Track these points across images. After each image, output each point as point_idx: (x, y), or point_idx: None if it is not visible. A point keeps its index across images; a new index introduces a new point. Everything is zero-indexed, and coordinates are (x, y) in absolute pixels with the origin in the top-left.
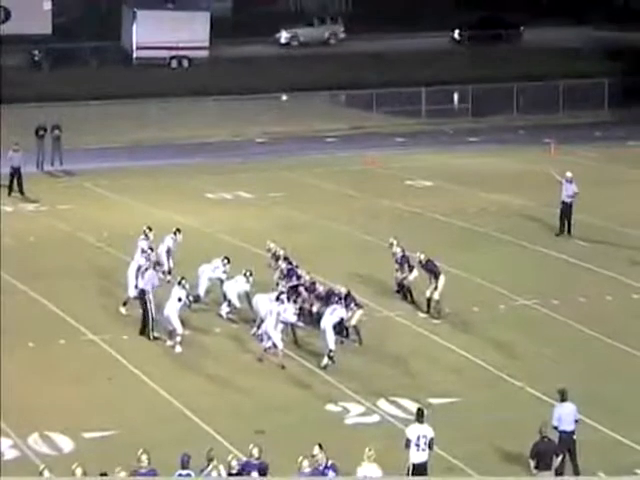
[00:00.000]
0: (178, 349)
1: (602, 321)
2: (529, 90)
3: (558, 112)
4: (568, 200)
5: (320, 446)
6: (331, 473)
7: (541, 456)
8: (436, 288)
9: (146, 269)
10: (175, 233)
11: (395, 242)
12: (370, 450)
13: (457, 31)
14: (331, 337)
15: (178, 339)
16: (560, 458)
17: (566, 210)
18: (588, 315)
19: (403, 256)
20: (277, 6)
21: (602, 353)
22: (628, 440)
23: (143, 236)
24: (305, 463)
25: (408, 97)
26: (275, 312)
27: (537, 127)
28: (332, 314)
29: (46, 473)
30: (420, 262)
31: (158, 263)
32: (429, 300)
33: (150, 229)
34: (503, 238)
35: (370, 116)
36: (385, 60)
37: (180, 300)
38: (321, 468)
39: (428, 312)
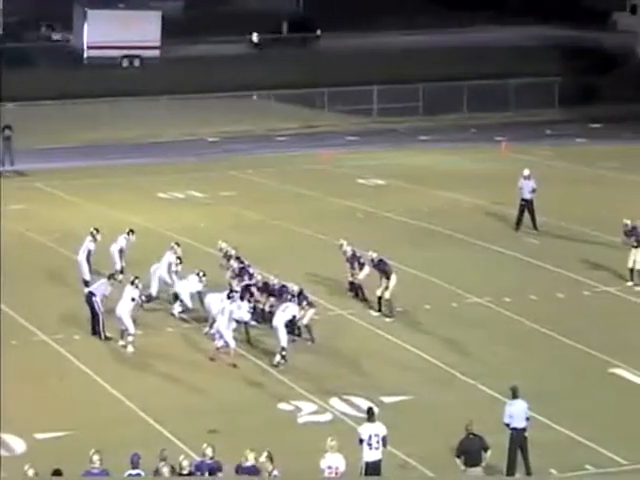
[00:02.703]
0: (130, 349)
1: (554, 319)
2: (479, 89)
3: (508, 111)
4: (529, 196)
5: (269, 454)
6: None
7: (468, 453)
8: (387, 288)
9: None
10: (128, 233)
11: (345, 242)
12: (332, 440)
13: (255, 34)
14: (283, 335)
15: (130, 339)
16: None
17: (528, 206)
18: (540, 313)
19: (353, 255)
20: (232, 6)
21: (554, 351)
22: (579, 436)
23: (90, 238)
24: (251, 456)
25: (360, 95)
26: (227, 311)
27: (488, 126)
28: (284, 311)
29: None
30: (372, 261)
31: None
32: (380, 299)
33: (97, 231)
34: (455, 236)
35: (322, 115)
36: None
37: (133, 300)
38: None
39: (380, 311)
